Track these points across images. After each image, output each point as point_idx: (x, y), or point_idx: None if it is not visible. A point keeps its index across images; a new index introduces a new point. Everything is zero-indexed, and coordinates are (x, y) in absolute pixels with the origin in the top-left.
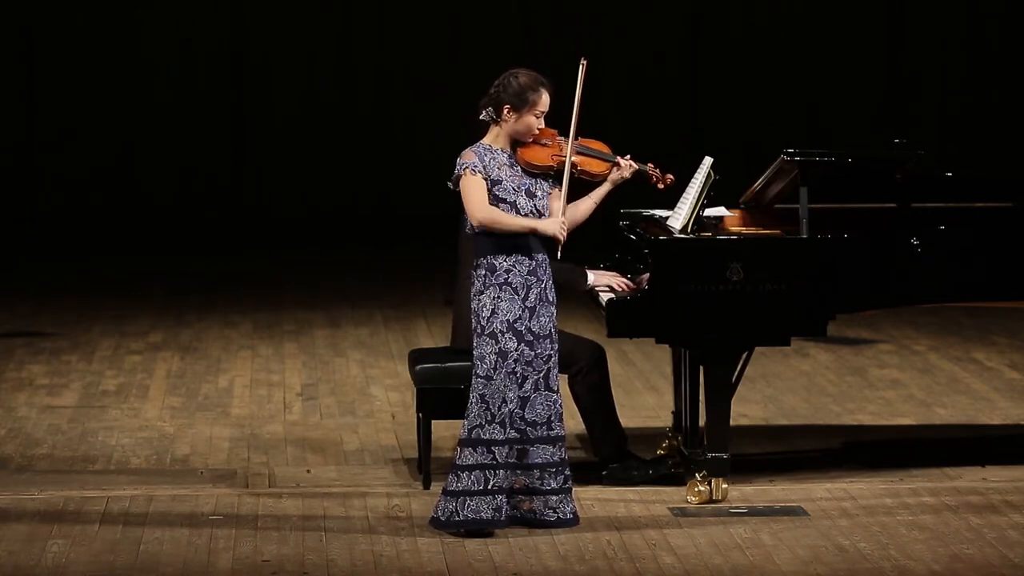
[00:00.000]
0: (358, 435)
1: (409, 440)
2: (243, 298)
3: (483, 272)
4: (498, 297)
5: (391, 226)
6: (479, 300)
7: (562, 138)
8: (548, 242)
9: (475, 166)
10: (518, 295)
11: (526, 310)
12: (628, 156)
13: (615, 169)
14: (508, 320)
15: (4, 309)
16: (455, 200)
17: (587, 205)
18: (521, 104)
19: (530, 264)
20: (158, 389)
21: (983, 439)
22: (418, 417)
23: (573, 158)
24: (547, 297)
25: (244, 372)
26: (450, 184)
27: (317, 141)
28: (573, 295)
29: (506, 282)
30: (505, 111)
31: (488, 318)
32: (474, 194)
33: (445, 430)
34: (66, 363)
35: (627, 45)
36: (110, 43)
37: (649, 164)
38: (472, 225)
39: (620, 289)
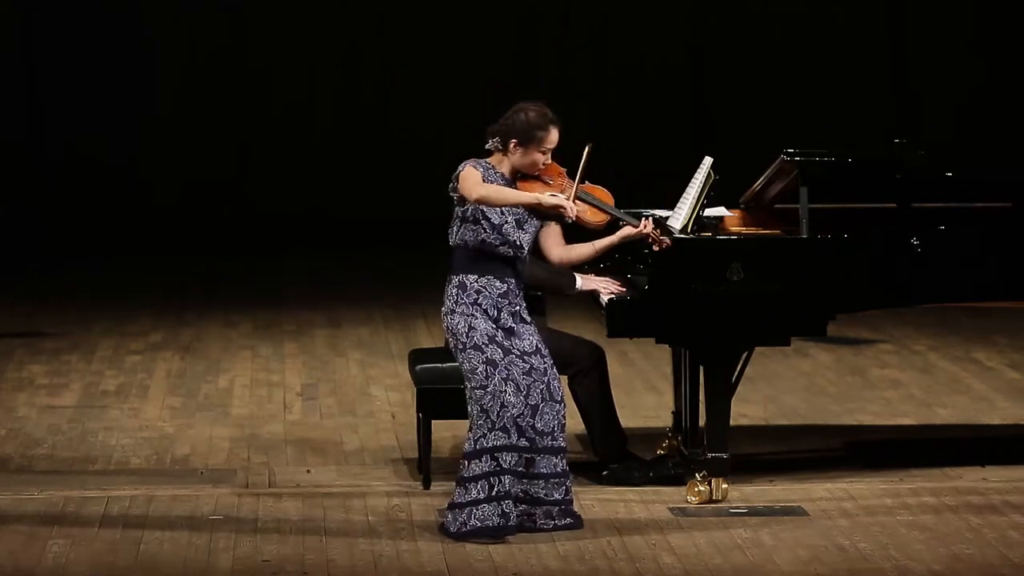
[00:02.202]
0: (358, 435)
1: (409, 440)
2: (243, 298)
3: (455, 289)
4: (471, 315)
5: (391, 226)
6: (451, 319)
7: (568, 180)
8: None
9: (476, 166)
10: (488, 316)
11: (500, 330)
12: (649, 219)
13: (630, 227)
14: (487, 334)
15: (4, 309)
16: (452, 201)
17: (586, 251)
18: (528, 140)
19: (501, 287)
20: (158, 389)
21: (983, 439)
22: (418, 417)
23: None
24: (523, 318)
25: (244, 372)
26: (450, 189)
27: (318, 141)
28: (569, 298)
29: (476, 302)
30: (512, 145)
31: (467, 333)
32: (471, 176)
33: (445, 430)
34: (66, 363)
35: (628, 44)
36: (111, 42)
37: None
38: (456, 236)
39: (609, 293)
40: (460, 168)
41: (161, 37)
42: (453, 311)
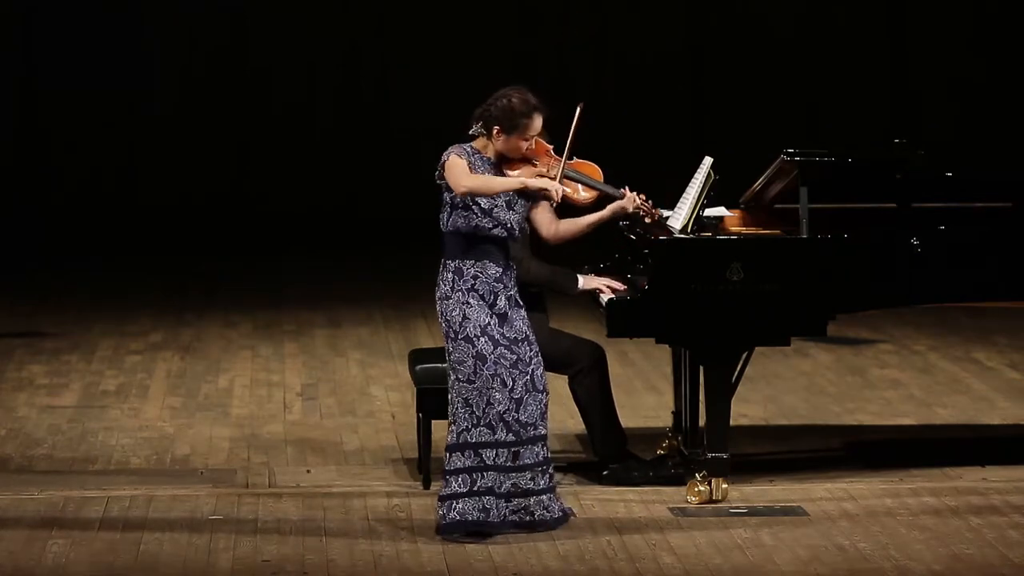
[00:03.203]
0: (358, 435)
1: (409, 440)
2: (243, 298)
3: (450, 276)
4: (466, 303)
5: (391, 226)
6: (446, 304)
7: (555, 158)
8: (510, 248)
9: (461, 154)
10: (485, 301)
11: (494, 316)
12: (626, 188)
13: (616, 201)
14: (480, 325)
15: (4, 309)
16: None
17: (578, 226)
18: (511, 128)
19: (496, 271)
20: (158, 389)
21: (983, 439)
22: (418, 417)
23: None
24: (518, 303)
25: (244, 372)
26: (436, 175)
27: (318, 141)
28: (569, 297)
29: (472, 288)
30: (495, 131)
31: (460, 323)
32: (456, 167)
33: (445, 430)
34: (66, 363)
35: (628, 44)
36: (111, 42)
37: (640, 196)
38: (447, 222)
39: (611, 292)
40: (445, 156)
41: (161, 37)
42: (448, 296)
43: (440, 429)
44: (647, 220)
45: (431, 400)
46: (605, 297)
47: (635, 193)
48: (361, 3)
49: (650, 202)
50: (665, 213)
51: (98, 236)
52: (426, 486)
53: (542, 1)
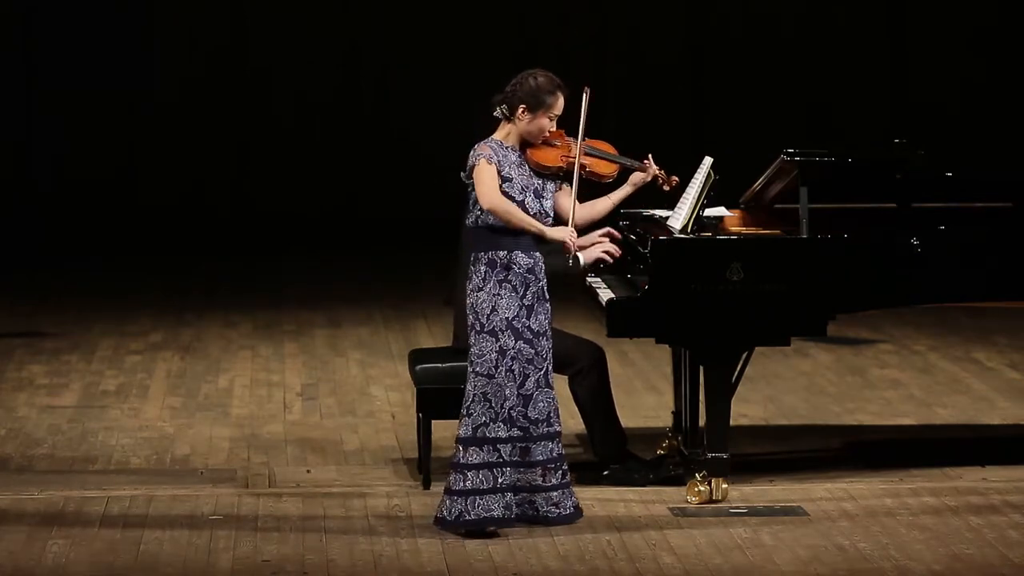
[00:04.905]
0: (358, 435)
1: (409, 440)
2: (243, 298)
3: (483, 268)
4: (497, 294)
5: (391, 226)
6: (477, 296)
7: (571, 138)
8: (549, 245)
9: (491, 157)
10: (516, 292)
11: (523, 308)
12: (650, 156)
13: (638, 171)
14: (507, 318)
15: (4, 309)
16: (455, 200)
17: (605, 205)
18: (536, 106)
19: (528, 262)
20: (158, 389)
21: (983, 439)
22: (418, 417)
23: (582, 159)
24: (544, 295)
25: (244, 372)
26: (463, 175)
27: (318, 141)
28: (570, 288)
29: (505, 279)
30: (520, 111)
31: (488, 315)
32: (488, 180)
33: (445, 430)
34: (66, 363)
35: (628, 44)
36: (111, 42)
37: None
38: (475, 217)
39: (612, 257)
40: (473, 157)
41: (161, 37)
42: (480, 288)
43: (440, 429)
44: (665, 188)
45: (431, 400)
46: (605, 297)
47: (656, 167)
48: (361, 3)
49: (663, 171)
50: (665, 214)
51: (98, 236)
52: (426, 486)
53: (542, 1)
